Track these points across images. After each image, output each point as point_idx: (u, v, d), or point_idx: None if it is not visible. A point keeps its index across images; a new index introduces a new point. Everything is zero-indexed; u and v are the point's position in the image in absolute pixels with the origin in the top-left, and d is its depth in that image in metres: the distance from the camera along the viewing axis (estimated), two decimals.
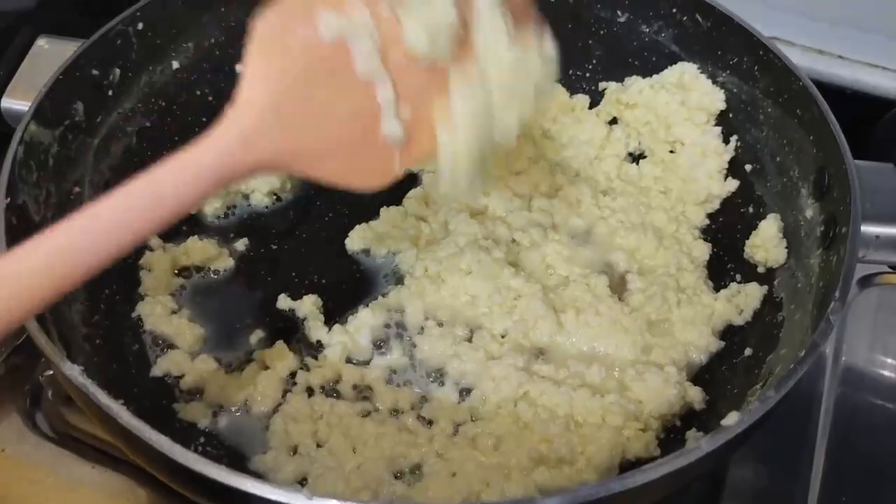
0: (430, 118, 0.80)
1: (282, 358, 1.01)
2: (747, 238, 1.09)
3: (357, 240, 1.14)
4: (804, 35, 1.46)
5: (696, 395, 0.97)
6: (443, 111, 0.79)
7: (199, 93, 1.22)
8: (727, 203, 1.15)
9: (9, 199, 0.90)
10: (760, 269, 1.06)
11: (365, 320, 1.04)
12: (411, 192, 1.18)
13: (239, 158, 0.71)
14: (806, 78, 1.03)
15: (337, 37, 0.74)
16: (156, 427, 0.73)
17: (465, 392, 0.99)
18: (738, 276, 1.08)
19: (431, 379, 1.01)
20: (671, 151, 1.20)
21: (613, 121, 1.27)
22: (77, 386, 0.75)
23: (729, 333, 1.04)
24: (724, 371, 1.00)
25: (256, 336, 1.05)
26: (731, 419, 0.74)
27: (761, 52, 1.09)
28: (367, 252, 1.14)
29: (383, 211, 1.15)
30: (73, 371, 0.77)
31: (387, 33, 0.75)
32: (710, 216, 1.16)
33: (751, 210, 1.11)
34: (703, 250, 1.13)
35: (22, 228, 0.91)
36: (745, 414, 0.74)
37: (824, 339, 0.79)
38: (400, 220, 1.15)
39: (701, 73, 1.17)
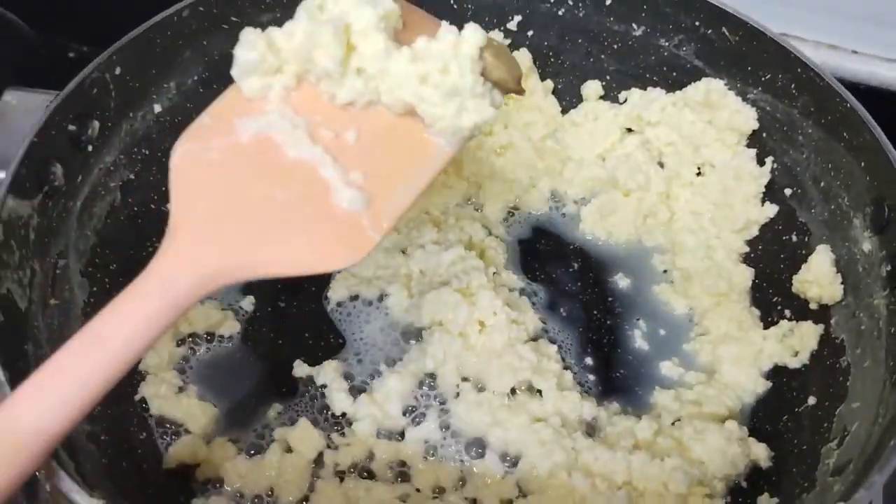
0: (389, 172, 0.76)
1: (306, 438, 0.92)
2: (793, 269, 1.02)
3: (340, 290, 1.05)
4: (816, 30, 1.39)
5: (761, 452, 0.90)
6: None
7: None
8: (767, 229, 1.08)
9: None
10: (813, 306, 0.99)
11: (393, 387, 0.95)
12: None
13: (186, 281, 0.68)
14: (854, 99, 0.96)
15: (258, 135, 0.73)
16: None
17: (510, 461, 0.92)
18: (786, 312, 1.02)
19: (472, 451, 0.93)
20: (698, 174, 1.13)
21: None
22: None
23: (785, 377, 0.97)
24: (786, 423, 0.93)
25: (274, 410, 0.96)
26: None
27: (799, 70, 1.01)
28: (355, 298, 1.05)
29: None
30: None
31: (312, 115, 0.75)
32: (748, 243, 1.09)
33: (794, 238, 1.04)
34: (744, 276, 1.06)
35: (11, 325, 0.81)
36: None
37: None
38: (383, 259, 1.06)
39: (729, 89, 1.09)
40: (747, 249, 1.08)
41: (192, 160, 0.73)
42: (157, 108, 1.07)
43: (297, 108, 0.75)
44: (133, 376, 0.96)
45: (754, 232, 1.08)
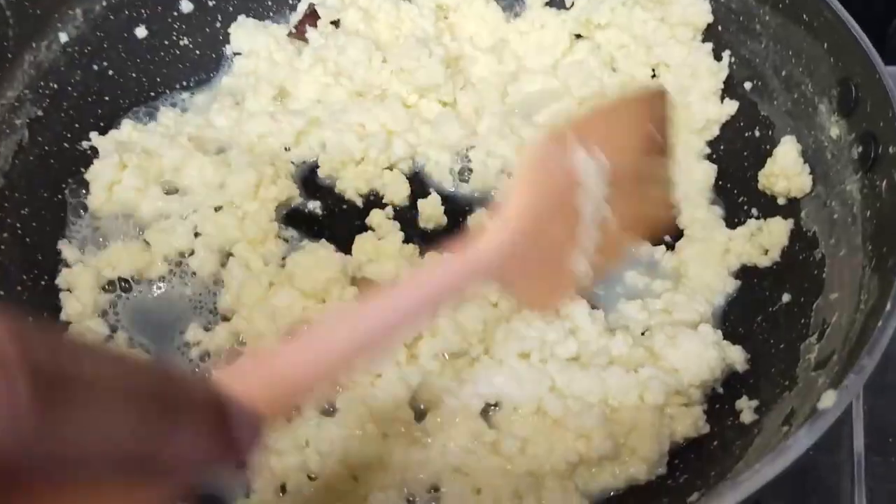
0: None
1: None
2: (758, 166, 0.96)
3: None
4: None
5: (736, 356, 0.85)
6: None
7: (95, 68, 1.02)
8: (727, 128, 1.02)
9: None
10: (781, 201, 0.94)
11: None
12: None
13: (493, 268, 0.67)
14: None
15: (583, 175, 0.72)
16: None
17: (491, 407, 0.84)
18: (753, 211, 0.96)
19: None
20: (653, 75, 1.06)
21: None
22: None
23: (756, 278, 0.92)
24: (761, 323, 0.88)
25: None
26: (829, 400, 0.62)
27: None
28: None
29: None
30: None
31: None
32: (709, 144, 1.02)
33: (757, 133, 0.99)
34: (707, 173, 1.00)
35: None
36: (842, 393, 0.62)
37: None
38: None
39: None
40: (708, 150, 1.02)
41: (542, 165, 0.71)
42: (64, 38, 0.99)
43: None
44: (54, 326, 0.88)
45: (715, 132, 1.02)
